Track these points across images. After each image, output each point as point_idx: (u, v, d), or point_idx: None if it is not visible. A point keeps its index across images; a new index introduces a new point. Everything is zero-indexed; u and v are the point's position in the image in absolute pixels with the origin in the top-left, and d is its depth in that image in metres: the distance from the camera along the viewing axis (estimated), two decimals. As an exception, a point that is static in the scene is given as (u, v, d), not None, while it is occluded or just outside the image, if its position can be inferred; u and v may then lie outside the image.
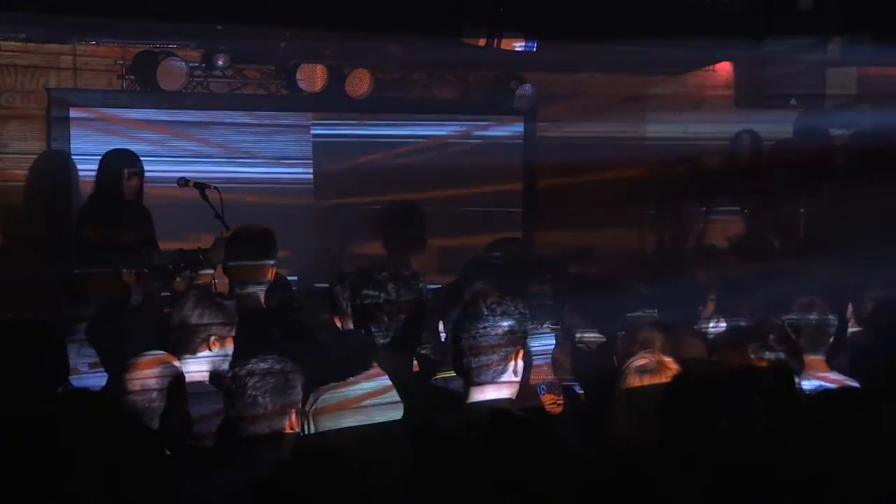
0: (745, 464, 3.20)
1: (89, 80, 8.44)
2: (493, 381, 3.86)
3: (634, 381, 4.07)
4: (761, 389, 3.82)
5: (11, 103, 8.26)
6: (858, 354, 5.18)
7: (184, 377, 4.30)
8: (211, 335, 4.73)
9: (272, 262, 5.75)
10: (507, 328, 3.88)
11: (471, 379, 3.86)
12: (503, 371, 3.87)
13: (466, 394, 3.90)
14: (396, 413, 4.17)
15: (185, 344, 4.68)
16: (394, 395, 4.22)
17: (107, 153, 7.59)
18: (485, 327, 3.85)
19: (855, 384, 4.73)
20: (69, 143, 8.34)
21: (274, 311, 5.65)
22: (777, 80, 9.52)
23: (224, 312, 4.81)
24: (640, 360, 4.16)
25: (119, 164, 7.45)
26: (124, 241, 6.88)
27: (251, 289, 5.64)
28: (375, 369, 4.31)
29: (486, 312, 3.86)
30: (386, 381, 4.26)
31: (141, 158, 7.55)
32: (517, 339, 3.91)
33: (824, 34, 8.87)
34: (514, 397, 3.94)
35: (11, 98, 8.25)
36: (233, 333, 4.80)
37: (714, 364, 4.91)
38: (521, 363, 3.93)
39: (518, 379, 3.95)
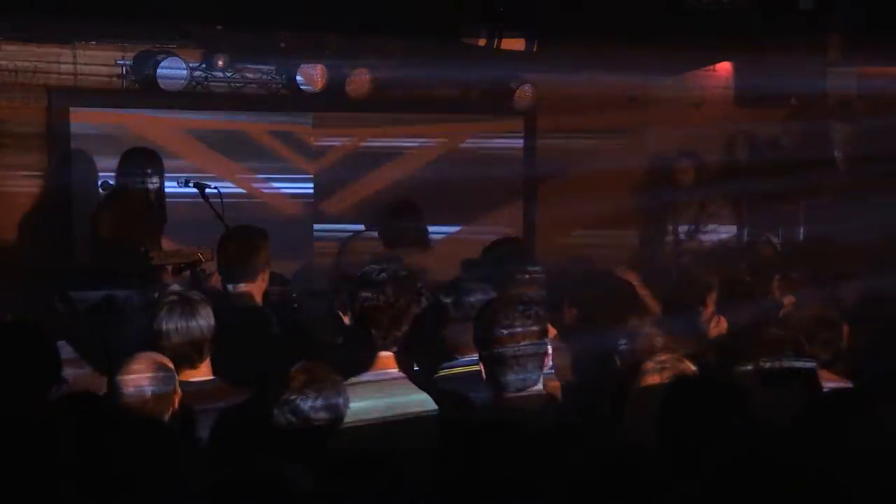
0: (746, 464, 3.21)
1: (89, 80, 8.44)
2: (534, 384, 3.88)
3: (652, 380, 4.09)
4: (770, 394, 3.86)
5: (11, 103, 8.25)
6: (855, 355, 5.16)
7: (175, 376, 4.28)
8: (194, 341, 4.65)
9: (264, 261, 5.74)
10: (537, 332, 3.90)
11: (509, 386, 3.86)
12: (540, 377, 3.90)
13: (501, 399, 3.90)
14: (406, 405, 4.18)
15: (168, 354, 4.60)
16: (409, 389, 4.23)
17: (127, 151, 7.59)
18: (522, 335, 3.86)
19: (849, 385, 4.72)
20: (69, 143, 8.34)
21: (271, 311, 5.65)
22: (777, 80, 9.52)
23: (201, 314, 4.67)
24: (658, 360, 4.19)
25: (139, 163, 7.45)
26: (137, 241, 6.86)
27: (243, 288, 5.63)
28: (379, 366, 4.31)
29: (519, 320, 3.87)
30: (396, 375, 4.26)
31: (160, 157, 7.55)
32: (545, 342, 3.94)
33: (824, 34, 8.88)
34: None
35: (11, 98, 8.25)
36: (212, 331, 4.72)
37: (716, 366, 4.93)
38: (549, 360, 3.97)
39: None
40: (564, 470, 3.10)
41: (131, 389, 4.11)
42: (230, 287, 5.68)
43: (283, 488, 2.94)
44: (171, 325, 4.55)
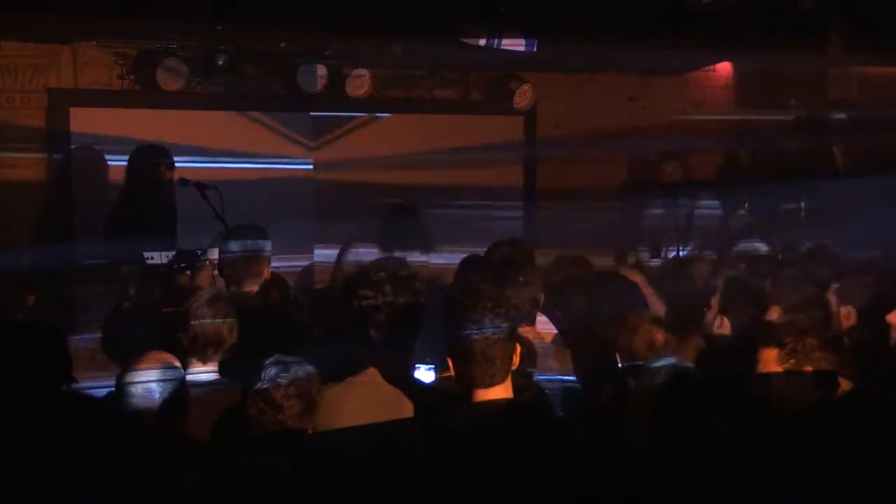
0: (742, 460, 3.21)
1: (89, 80, 8.44)
2: (501, 384, 3.85)
3: (652, 380, 4.09)
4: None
5: (11, 103, 8.26)
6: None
7: (185, 377, 4.29)
8: (226, 340, 4.70)
9: (266, 260, 5.75)
10: (505, 329, 3.87)
11: (477, 384, 3.85)
12: (508, 372, 3.87)
13: (470, 395, 3.89)
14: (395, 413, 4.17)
15: (200, 350, 4.64)
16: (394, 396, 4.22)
17: (138, 149, 7.57)
18: (486, 332, 3.84)
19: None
20: (69, 143, 8.35)
21: (271, 310, 5.66)
22: (777, 79, 9.53)
23: (231, 313, 4.78)
24: (662, 361, 4.20)
25: (151, 161, 7.44)
26: (149, 241, 6.87)
27: (246, 287, 5.65)
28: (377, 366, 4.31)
29: (486, 318, 3.85)
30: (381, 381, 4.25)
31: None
32: (514, 338, 3.92)
33: (824, 34, 8.88)
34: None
35: (11, 98, 8.25)
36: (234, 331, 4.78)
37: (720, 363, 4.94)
38: (518, 358, 3.95)
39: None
40: (564, 469, 3.10)
41: (139, 389, 4.11)
42: (233, 287, 5.69)
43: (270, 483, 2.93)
44: (207, 313, 4.64)
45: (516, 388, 4.02)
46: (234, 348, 4.73)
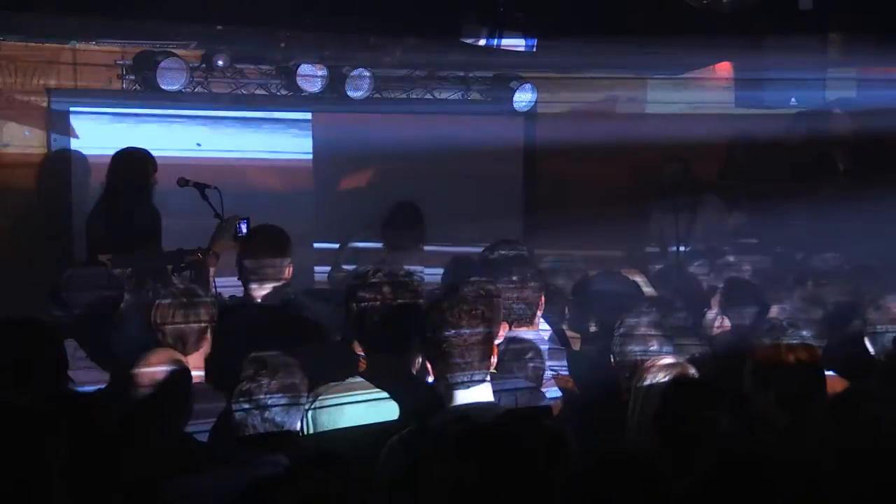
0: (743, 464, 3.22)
1: (89, 80, 8.44)
2: (480, 383, 3.88)
3: (654, 383, 4.10)
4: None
5: (11, 103, 8.26)
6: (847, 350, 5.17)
7: (190, 374, 4.29)
8: (198, 336, 4.70)
9: (288, 260, 5.74)
10: (483, 329, 3.91)
11: (455, 386, 3.87)
12: (485, 374, 3.90)
13: (450, 397, 3.91)
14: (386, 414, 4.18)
15: (174, 346, 4.64)
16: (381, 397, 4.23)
17: (119, 151, 7.56)
18: (462, 332, 3.87)
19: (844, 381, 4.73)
20: (69, 143, 8.35)
21: (274, 310, 5.64)
22: (777, 80, 9.52)
23: (203, 308, 4.76)
24: (662, 361, 4.21)
25: (132, 163, 7.43)
26: (134, 242, 6.86)
27: (267, 288, 5.62)
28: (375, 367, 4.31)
29: (462, 320, 3.86)
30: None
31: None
32: (493, 337, 3.96)
33: (824, 34, 8.88)
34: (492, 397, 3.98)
35: (11, 98, 8.25)
36: (212, 328, 4.77)
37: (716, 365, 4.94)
38: (495, 360, 3.97)
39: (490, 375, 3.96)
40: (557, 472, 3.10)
41: (146, 385, 4.11)
42: (254, 287, 5.65)
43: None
44: (164, 309, 4.64)
45: (514, 391, 4.04)
46: (219, 349, 4.72)
